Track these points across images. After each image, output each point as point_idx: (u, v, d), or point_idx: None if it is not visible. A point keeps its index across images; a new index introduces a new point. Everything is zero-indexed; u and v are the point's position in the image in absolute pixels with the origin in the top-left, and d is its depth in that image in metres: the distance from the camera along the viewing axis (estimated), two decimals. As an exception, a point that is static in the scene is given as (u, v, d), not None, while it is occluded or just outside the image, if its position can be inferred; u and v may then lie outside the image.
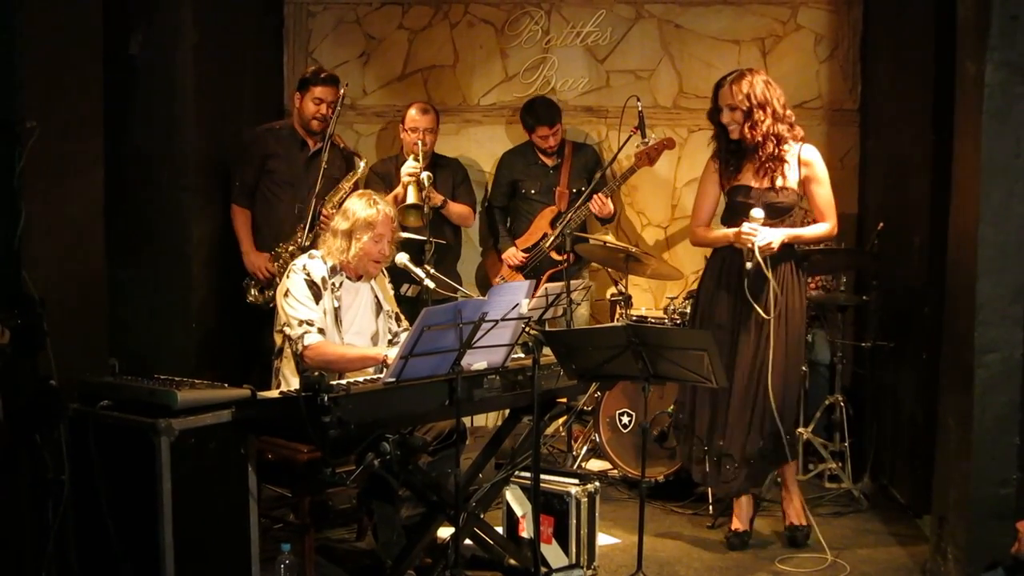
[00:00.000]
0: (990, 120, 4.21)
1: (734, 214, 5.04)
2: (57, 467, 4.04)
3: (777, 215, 4.94)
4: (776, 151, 4.91)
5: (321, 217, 5.78)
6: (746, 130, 4.92)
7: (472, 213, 6.69)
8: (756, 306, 4.85)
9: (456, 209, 6.49)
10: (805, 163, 4.97)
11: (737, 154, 5.03)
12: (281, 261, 5.83)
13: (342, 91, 5.99)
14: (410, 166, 6.08)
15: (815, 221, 5.08)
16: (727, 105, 4.95)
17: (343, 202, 5.03)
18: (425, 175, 5.96)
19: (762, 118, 4.89)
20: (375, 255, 4.72)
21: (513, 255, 6.67)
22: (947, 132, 4.73)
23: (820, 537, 4.94)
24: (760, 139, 4.90)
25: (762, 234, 4.83)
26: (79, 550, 4.11)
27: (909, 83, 5.95)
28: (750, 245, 4.82)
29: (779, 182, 4.94)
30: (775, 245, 4.84)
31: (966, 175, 4.42)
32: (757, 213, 4.85)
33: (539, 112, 6.69)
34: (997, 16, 4.15)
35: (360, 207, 4.71)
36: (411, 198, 5.99)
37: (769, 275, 4.85)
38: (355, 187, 5.85)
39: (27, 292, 4.14)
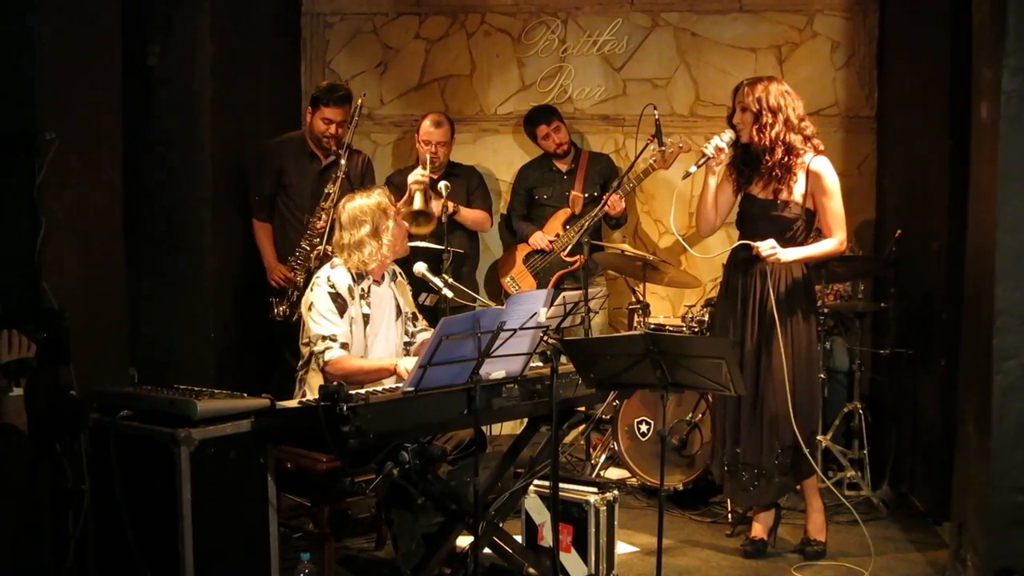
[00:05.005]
0: (1007, 126, 4.20)
1: (740, 221, 5.09)
2: (77, 477, 4.06)
3: (779, 227, 4.91)
4: (785, 159, 4.87)
5: (316, 227, 5.83)
6: (753, 133, 4.92)
7: (488, 218, 6.70)
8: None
9: (470, 215, 6.50)
10: (813, 174, 4.89)
11: (751, 164, 5.01)
12: (297, 271, 5.85)
13: (359, 101, 5.96)
14: (417, 174, 6.12)
15: (822, 236, 4.99)
16: (740, 106, 4.97)
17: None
18: (443, 184, 5.99)
19: (771, 122, 4.86)
20: (403, 233, 4.84)
21: (540, 238, 6.67)
22: (964, 138, 4.72)
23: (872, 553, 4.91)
24: (768, 144, 4.87)
25: (767, 244, 4.83)
26: (99, 560, 4.11)
27: (926, 89, 5.94)
28: (765, 255, 4.84)
29: (783, 195, 4.91)
30: (782, 256, 4.82)
31: (983, 181, 4.41)
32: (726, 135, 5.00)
33: (534, 115, 6.80)
34: (1013, 22, 4.14)
35: (364, 203, 4.71)
36: (417, 203, 6.02)
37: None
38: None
39: (48, 304, 4.17)
